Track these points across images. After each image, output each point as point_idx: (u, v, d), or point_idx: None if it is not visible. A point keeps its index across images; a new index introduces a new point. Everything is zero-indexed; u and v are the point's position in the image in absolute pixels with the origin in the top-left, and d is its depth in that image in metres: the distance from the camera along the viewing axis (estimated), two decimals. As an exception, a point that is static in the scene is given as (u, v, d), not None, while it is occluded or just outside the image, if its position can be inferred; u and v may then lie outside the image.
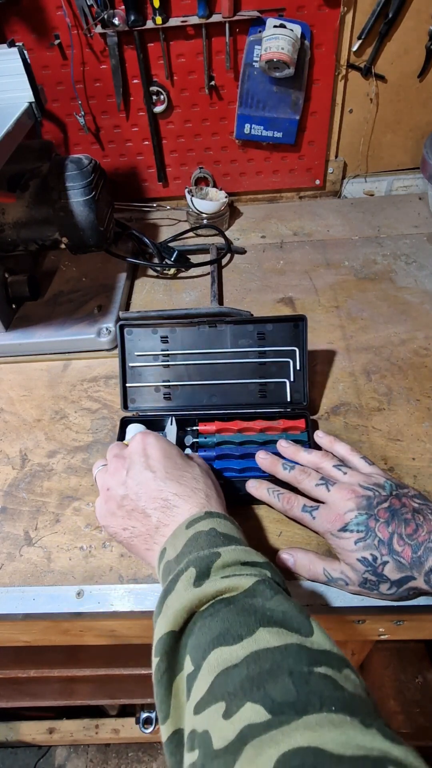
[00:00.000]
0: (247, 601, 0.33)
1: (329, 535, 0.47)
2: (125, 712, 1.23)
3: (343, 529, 0.45)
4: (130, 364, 0.64)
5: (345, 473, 0.50)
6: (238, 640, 0.31)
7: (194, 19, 0.78)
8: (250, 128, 0.90)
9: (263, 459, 0.54)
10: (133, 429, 0.61)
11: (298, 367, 0.63)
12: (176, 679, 0.33)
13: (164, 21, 0.78)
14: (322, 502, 0.48)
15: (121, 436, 0.61)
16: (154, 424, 0.62)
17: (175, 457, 0.48)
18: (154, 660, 0.33)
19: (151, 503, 0.45)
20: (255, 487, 0.53)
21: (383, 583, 0.44)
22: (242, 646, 0.30)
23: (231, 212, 0.97)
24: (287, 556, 0.50)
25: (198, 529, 0.40)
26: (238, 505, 0.55)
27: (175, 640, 0.34)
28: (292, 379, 0.63)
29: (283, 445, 0.55)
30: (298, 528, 0.54)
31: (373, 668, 0.89)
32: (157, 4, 0.76)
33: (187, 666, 0.32)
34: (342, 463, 0.51)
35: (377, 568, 0.44)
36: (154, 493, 0.45)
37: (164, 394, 0.64)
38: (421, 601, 0.48)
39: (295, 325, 0.62)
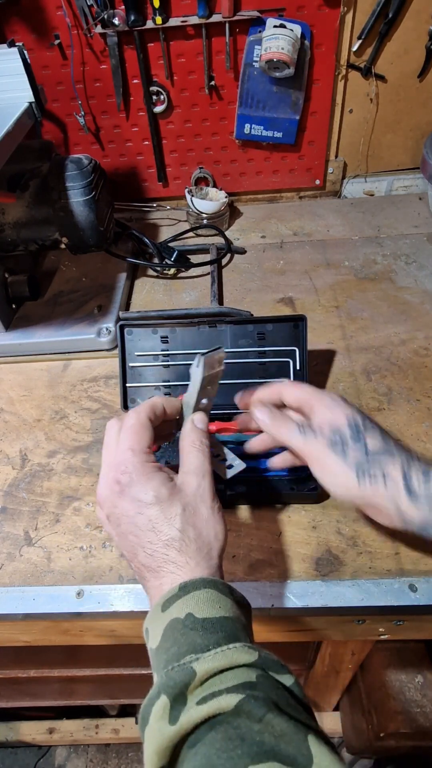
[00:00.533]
0: (231, 725, 0.28)
1: (320, 407, 0.45)
2: (125, 712, 1.24)
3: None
4: (130, 364, 0.64)
5: None
6: None
7: (194, 19, 0.78)
8: (250, 128, 0.90)
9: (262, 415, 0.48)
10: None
11: (298, 367, 0.63)
12: None
13: (164, 21, 0.78)
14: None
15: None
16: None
17: (146, 507, 0.39)
18: None
19: (130, 556, 0.40)
20: (239, 398, 0.51)
21: (356, 445, 0.43)
22: None
23: (231, 212, 0.97)
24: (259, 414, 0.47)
25: (173, 615, 0.34)
26: (237, 504, 0.55)
27: None
28: (292, 379, 0.63)
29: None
30: (299, 528, 0.54)
31: (373, 668, 0.89)
32: (157, 4, 0.76)
33: None
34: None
35: (359, 430, 0.43)
36: (130, 550, 0.39)
37: (164, 394, 0.64)
38: (422, 600, 0.48)
39: (295, 325, 0.62)
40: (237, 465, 0.48)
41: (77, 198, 0.70)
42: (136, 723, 1.17)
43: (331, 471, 0.43)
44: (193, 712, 0.29)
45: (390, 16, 0.79)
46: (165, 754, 0.29)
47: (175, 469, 0.42)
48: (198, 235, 0.94)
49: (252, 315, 0.76)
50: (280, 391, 0.49)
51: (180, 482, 0.40)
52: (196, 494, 0.40)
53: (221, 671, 0.31)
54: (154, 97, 0.88)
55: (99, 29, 0.80)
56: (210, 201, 0.93)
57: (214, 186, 1.00)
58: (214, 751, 0.28)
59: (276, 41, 0.78)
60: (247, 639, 0.34)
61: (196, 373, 0.43)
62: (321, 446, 0.44)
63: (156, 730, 0.30)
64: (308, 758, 0.27)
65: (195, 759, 0.28)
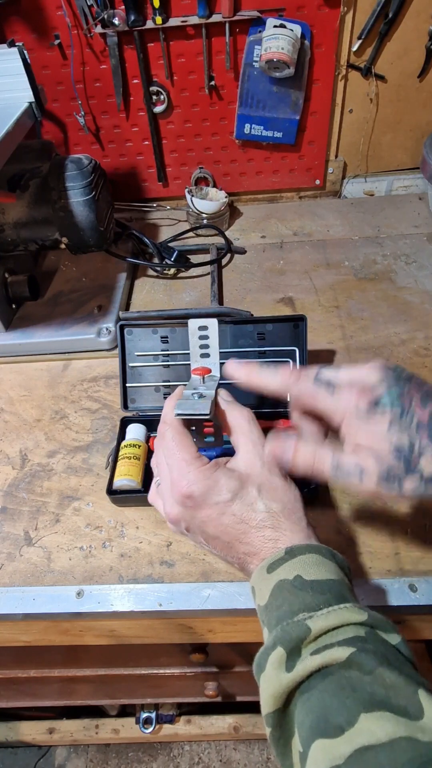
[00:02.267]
0: (344, 675, 0.30)
1: (352, 418, 0.38)
2: (125, 712, 1.23)
3: (374, 405, 0.37)
4: (130, 364, 0.64)
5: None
6: (340, 732, 0.28)
7: (194, 19, 0.78)
8: (250, 128, 0.90)
9: (237, 368, 0.44)
10: (133, 429, 0.61)
11: (298, 368, 0.62)
12: (292, 742, 0.32)
13: (164, 21, 0.78)
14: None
15: (121, 436, 0.61)
16: (154, 424, 0.62)
17: (226, 506, 0.39)
18: (267, 729, 0.33)
19: (225, 551, 0.41)
20: (236, 368, 0.44)
21: (411, 476, 0.35)
22: (345, 741, 0.27)
23: (231, 212, 0.97)
24: (282, 451, 0.41)
25: (281, 576, 0.36)
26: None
27: (281, 715, 0.32)
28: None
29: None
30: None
31: (373, 668, 0.89)
32: (157, 4, 0.76)
33: (296, 744, 0.31)
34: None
35: (412, 458, 0.35)
36: (224, 547, 0.40)
37: (164, 394, 0.64)
38: (422, 600, 0.48)
39: (295, 325, 0.62)
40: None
41: (77, 198, 0.70)
42: (137, 723, 1.17)
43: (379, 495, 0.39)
44: (307, 662, 0.31)
45: (390, 16, 0.79)
46: (281, 699, 0.32)
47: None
48: (198, 235, 0.94)
49: (252, 315, 0.76)
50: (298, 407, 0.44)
51: (244, 465, 0.41)
52: (263, 471, 0.41)
53: (334, 628, 0.32)
54: (154, 97, 0.88)
55: (99, 29, 0.80)
56: (210, 201, 0.93)
57: (214, 186, 1.00)
58: (327, 697, 0.29)
59: (276, 41, 0.78)
60: (354, 599, 0.35)
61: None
62: (373, 485, 0.37)
63: (273, 677, 0.32)
64: (419, 710, 0.27)
65: (308, 703, 0.30)
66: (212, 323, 0.47)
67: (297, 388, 0.41)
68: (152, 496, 0.46)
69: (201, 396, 0.44)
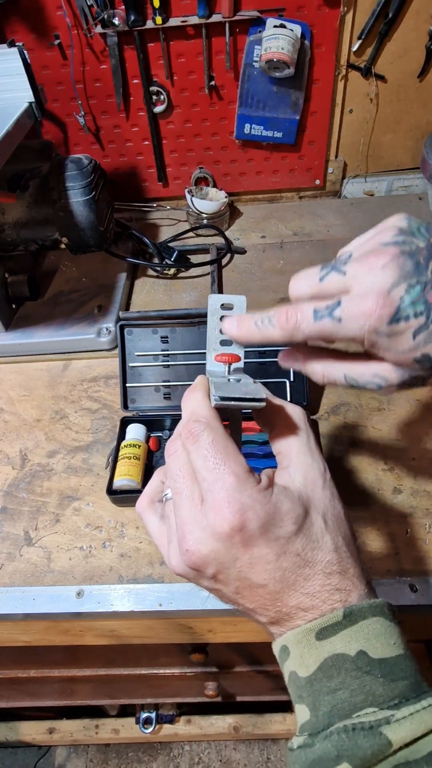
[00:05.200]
0: None
1: (374, 336, 0.31)
2: (125, 712, 1.23)
3: (395, 318, 0.30)
4: (130, 364, 0.64)
5: (351, 250, 0.34)
6: None
7: (194, 19, 0.78)
8: (250, 128, 0.90)
9: (232, 327, 0.36)
10: (133, 429, 0.61)
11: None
12: None
13: (164, 21, 0.78)
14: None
15: (121, 436, 0.61)
16: (154, 424, 0.62)
17: (289, 543, 0.29)
18: None
19: (266, 604, 0.30)
20: (236, 326, 0.35)
21: None
22: None
23: (231, 212, 0.97)
24: (290, 361, 0.35)
25: (337, 650, 0.27)
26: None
27: None
28: (292, 380, 0.63)
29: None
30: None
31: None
32: (157, 4, 0.76)
33: None
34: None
35: None
36: (269, 599, 0.29)
37: (164, 394, 0.64)
38: (422, 600, 0.48)
39: (295, 325, 0.62)
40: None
41: (77, 198, 0.70)
42: (137, 723, 1.17)
43: None
44: None
45: (390, 16, 0.79)
46: None
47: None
48: (198, 235, 0.94)
49: (252, 315, 0.76)
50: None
51: (303, 484, 0.31)
52: (326, 491, 0.31)
53: (417, 738, 0.24)
54: (154, 97, 0.88)
55: (99, 29, 0.80)
56: (210, 201, 0.93)
57: (214, 186, 1.00)
58: None
59: (276, 41, 0.78)
60: (425, 681, 0.27)
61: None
62: (393, 390, 0.33)
63: None
64: None
65: None
66: (239, 301, 0.36)
67: (301, 332, 0.33)
68: (143, 505, 0.35)
69: (238, 381, 0.33)
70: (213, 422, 0.30)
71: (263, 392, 0.31)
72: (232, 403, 0.30)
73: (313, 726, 0.27)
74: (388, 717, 0.25)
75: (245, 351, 0.37)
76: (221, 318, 0.35)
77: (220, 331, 0.35)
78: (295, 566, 0.28)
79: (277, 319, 0.34)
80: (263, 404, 0.30)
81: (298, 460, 0.32)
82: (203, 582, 0.30)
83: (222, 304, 0.35)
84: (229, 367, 0.35)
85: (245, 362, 0.37)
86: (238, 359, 0.35)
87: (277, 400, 0.34)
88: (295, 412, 0.34)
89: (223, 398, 0.30)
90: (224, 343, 0.35)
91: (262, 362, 0.63)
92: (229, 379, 0.34)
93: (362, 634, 0.27)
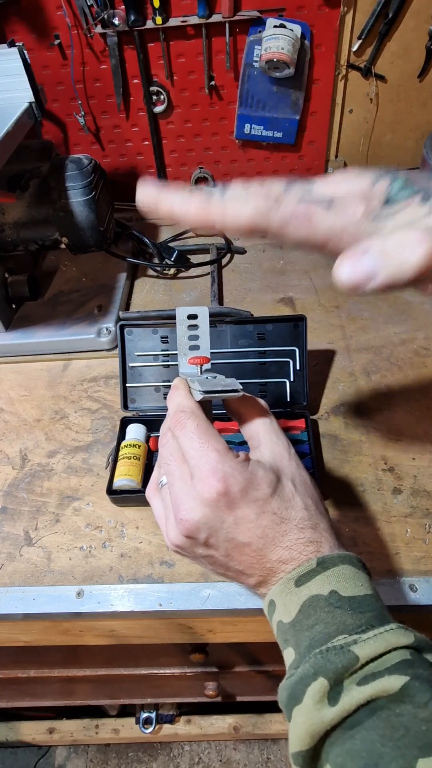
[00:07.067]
0: (394, 711, 0.26)
1: (364, 233, 0.30)
2: (125, 712, 1.23)
3: (387, 203, 0.30)
4: (130, 364, 0.64)
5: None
6: None
7: (194, 19, 0.78)
8: (250, 128, 0.90)
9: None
10: (133, 429, 0.61)
11: (298, 367, 0.62)
12: None
13: (164, 21, 0.78)
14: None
15: (121, 436, 0.61)
16: (154, 424, 0.62)
17: (266, 503, 0.34)
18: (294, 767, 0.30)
19: (251, 563, 0.35)
20: (182, 202, 0.35)
21: None
22: None
23: (231, 212, 0.97)
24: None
25: (313, 591, 0.32)
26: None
27: (313, 755, 0.29)
28: (292, 379, 0.63)
29: None
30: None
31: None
32: (157, 4, 0.76)
33: None
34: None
35: None
36: (254, 556, 0.34)
37: (164, 394, 0.64)
38: (422, 600, 0.48)
39: (295, 325, 0.62)
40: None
41: (77, 198, 0.70)
42: (137, 723, 1.17)
43: None
44: (354, 694, 0.27)
45: (390, 16, 0.79)
46: (319, 736, 0.28)
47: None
48: (198, 235, 0.94)
49: (252, 315, 0.76)
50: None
51: (271, 457, 0.37)
52: (291, 461, 0.37)
53: (381, 655, 0.28)
54: (154, 97, 0.88)
55: (99, 29, 0.80)
56: (210, 201, 0.93)
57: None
58: (377, 737, 0.26)
59: (276, 41, 0.78)
60: (390, 617, 0.32)
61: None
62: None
63: (313, 711, 0.28)
64: None
65: (352, 742, 0.27)
66: (202, 311, 0.42)
67: (281, 214, 0.31)
68: (150, 491, 0.40)
69: (214, 377, 0.39)
70: (197, 411, 0.37)
71: (238, 384, 0.38)
72: (216, 395, 0.37)
73: (297, 662, 0.31)
74: (356, 638, 0.29)
75: (247, 356, 0.42)
76: (188, 327, 0.42)
77: (189, 338, 0.42)
78: (273, 523, 0.34)
79: (254, 194, 0.31)
80: (240, 393, 0.37)
81: (266, 439, 0.38)
82: (198, 550, 0.35)
83: (188, 315, 0.41)
84: (201, 368, 0.41)
85: (246, 362, 0.48)
86: (208, 361, 0.42)
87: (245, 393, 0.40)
88: (260, 402, 0.41)
89: (207, 392, 0.37)
90: (193, 348, 0.42)
91: (262, 362, 0.63)
92: (206, 377, 0.40)
93: (334, 578, 0.32)
